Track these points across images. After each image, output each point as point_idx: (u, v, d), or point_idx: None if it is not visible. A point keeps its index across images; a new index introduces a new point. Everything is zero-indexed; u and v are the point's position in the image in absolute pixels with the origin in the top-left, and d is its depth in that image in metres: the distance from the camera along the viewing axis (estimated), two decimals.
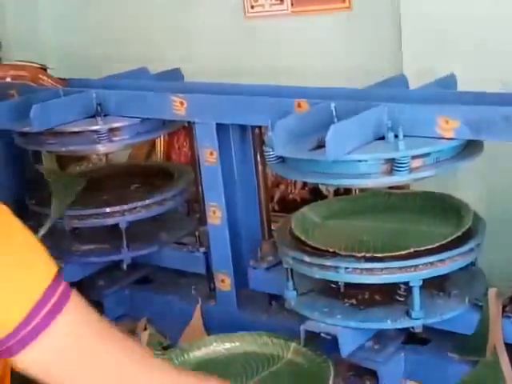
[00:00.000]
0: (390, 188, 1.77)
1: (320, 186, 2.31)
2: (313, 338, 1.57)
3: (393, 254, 1.48)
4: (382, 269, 1.48)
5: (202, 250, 1.98)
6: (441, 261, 1.49)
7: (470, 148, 1.49)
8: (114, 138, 1.88)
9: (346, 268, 1.50)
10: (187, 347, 1.67)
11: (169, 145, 2.71)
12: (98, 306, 1.26)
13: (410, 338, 1.65)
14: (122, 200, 1.98)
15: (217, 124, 1.76)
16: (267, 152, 1.51)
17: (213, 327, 1.88)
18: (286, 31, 2.41)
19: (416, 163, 1.42)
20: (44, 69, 2.14)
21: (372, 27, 2.23)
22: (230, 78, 2.01)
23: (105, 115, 1.89)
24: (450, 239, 1.51)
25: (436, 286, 1.58)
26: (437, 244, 1.49)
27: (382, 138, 1.45)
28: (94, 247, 2.03)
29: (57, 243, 1.96)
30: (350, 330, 1.54)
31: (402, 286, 1.55)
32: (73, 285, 1.03)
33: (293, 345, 1.61)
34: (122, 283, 2.11)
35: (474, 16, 1.91)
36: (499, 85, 1.73)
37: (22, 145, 1.97)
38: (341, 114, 1.50)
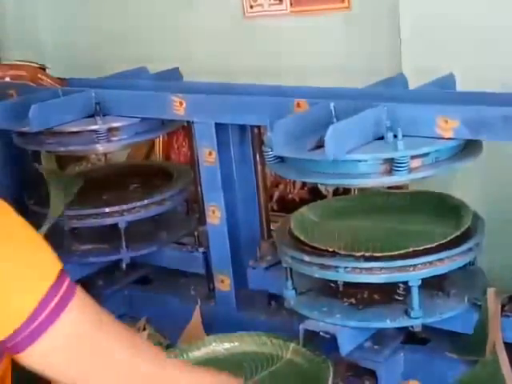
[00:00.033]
0: (389, 188, 1.77)
1: (319, 186, 2.31)
2: (312, 338, 1.57)
3: (392, 253, 1.48)
4: (381, 268, 1.48)
5: (202, 250, 1.98)
6: (440, 260, 1.49)
7: (469, 148, 1.49)
8: (113, 138, 1.87)
9: (346, 267, 1.50)
10: (186, 347, 1.67)
11: (168, 145, 2.72)
12: None
13: (410, 338, 1.65)
14: (121, 200, 1.98)
15: (216, 124, 1.76)
16: (266, 152, 1.51)
17: (212, 327, 1.87)
18: (285, 31, 2.41)
19: (415, 163, 1.42)
20: (43, 68, 2.14)
21: (371, 27, 2.22)
22: (228, 78, 2.02)
23: (104, 115, 1.88)
24: (449, 239, 1.51)
25: (435, 285, 1.58)
26: (436, 243, 1.49)
27: (382, 138, 1.45)
28: (92, 247, 2.02)
29: (56, 243, 1.93)
30: (349, 329, 1.54)
31: (401, 285, 1.55)
32: None
33: (292, 345, 1.61)
34: (121, 283, 2.11)
35: (474, 16, 1.91)
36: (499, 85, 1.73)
37: (20, 145, 1.97)
38: (340, 113, 1.50)
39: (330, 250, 1.52)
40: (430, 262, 1.48)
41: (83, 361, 1.04)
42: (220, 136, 1.78)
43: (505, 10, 1.88)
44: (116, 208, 1.94)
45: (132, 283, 2.13)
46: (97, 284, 2.08)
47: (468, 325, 1.56)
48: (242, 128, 1.83)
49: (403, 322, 1.52)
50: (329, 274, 1.53)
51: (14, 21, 2.98)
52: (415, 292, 1.49)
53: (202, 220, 1.96)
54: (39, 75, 2.08)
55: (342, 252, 1.51)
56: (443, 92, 1.62)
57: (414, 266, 1.47)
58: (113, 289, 2.08)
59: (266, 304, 1.88)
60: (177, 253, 2.04)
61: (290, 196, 2.43)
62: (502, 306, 1.54)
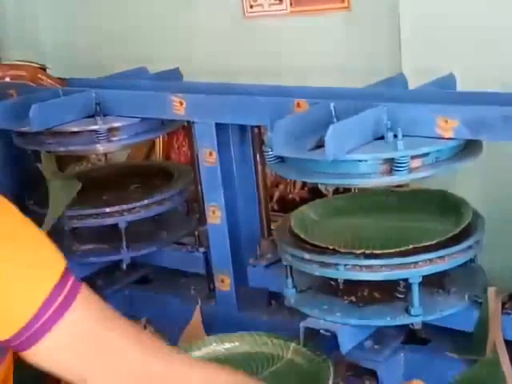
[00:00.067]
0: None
1: (319, 186, 2.31)
2: (312, 336, 1.57)
3: (392, 250, 1.48)
4: (381, 266, 1.48)
5: (202, 249, 1.98)
6: (440, 257, 1.49)
7: (469, 148, 1.49)
8: (114, 138, 1.87)
9: (346, 265, 1.50)
10: (187, 347, 1.67)
11: (168, 145, 2.72)
12: None
13: (410, 337, 1.65)
14: (122, 200, 1.98)
15: (216, 124, 1.76)
16: (266, 152, 1.51)
17: (212, 327, 1.87)
18: (285, 31, 2.41)
19: (415, 163, 1.42)
20: (43, 68, 2.14)
21: (371, 27, 2.23)
22: (228, 78, 2.02)
23: (104, 115, 1.88)
24: (449, 236, 1.51)
25: (435, 283, 1.58)
26: (436, 241, 1.49)
27: (382, 138, 1.45)
28: (93, 247, 2.03)
29: (56, 243, 1.94)
30: (349, 327, 1.54)
31: (402, 282, 1.55)
32: None
33: (292, 345, 1.61)
34: (121, 283, 2.11)
35: (474, 16, 1.91)
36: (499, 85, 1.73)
37: (20, 145, 1.97)
38: (340, 113, 1.50)
39: (330, 247, 1.52)
40: (431, 260, 1.48)
41: (89, 358, 1.04)
42: (220, 136, 1.79)
43: (505, 10, 1.88)
44: (116, 208, 1.94)
45: (132, 283, 2.13)
46: (97, 284, 2.07)
47: (468, 322, 1.56)
48: (242, 128, 1.83)
49: (403, 319, 1.52)
50: (329, 272, 1.53)
51: (13, 21, 2.98)
52: (415, 289, 1.49)
53: (202, 220, 1.96)
54: (39, 75, 2.08)
55: (342, 250, 1.51)
56: (443, 92, 1.62)
57: (415, 263, 1.47)
58: (113, 289, 2.08)
59: (266, 304, 1.88)
60: (177, 253, 2.04)
61: (291, 196, 2.44)
62: (503, 304, 1.55)
